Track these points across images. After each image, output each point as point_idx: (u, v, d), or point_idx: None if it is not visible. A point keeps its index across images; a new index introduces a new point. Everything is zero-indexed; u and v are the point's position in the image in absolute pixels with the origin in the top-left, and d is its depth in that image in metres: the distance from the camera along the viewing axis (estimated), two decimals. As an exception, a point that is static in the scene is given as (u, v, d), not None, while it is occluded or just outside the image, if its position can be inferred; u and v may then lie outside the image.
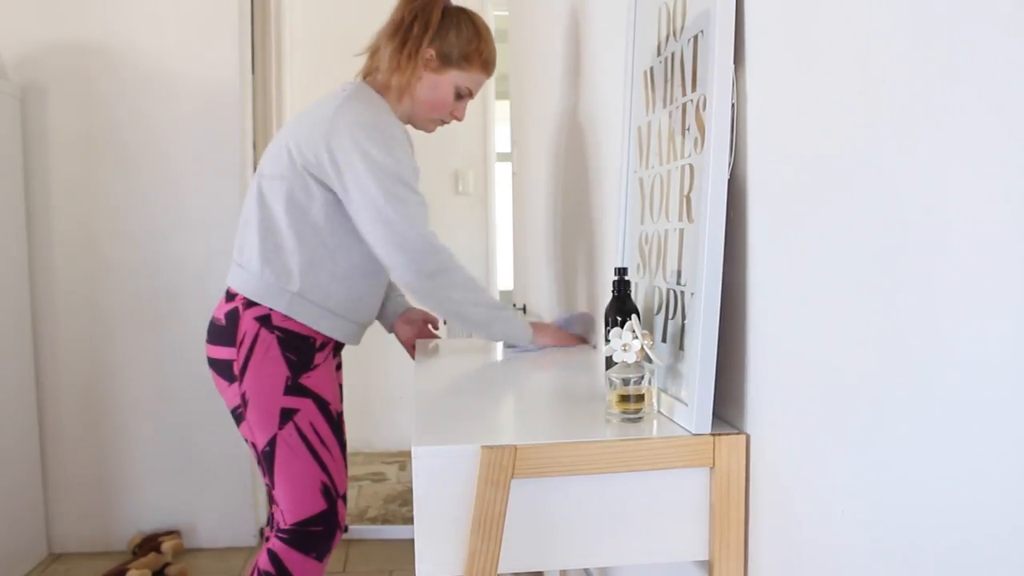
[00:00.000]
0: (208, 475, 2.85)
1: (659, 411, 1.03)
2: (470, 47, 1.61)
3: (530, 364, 1.47)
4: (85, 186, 2.77)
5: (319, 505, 1.54)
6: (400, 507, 3.17)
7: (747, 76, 0.90)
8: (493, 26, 3.85)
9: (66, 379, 2.79)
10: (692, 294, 0.96)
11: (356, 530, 2.89)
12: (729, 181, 0.93)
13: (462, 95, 1.67)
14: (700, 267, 0.92)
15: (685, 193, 1.02)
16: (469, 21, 1.63)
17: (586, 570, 1.79)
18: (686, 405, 0.95)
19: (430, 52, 1.59)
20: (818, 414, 0.76)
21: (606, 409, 1.01)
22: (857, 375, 0.69)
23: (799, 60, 0.78)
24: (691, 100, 1.00)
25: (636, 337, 0.98)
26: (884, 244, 0.64)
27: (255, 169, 2.98)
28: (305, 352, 1.56)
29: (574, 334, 1.65)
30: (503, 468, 0.88)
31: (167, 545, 2.69)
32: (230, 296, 1.58)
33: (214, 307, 2.78)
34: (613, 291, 1.14)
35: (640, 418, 0.98)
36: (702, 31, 0.97)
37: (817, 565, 0.77)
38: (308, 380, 1.55)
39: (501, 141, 3.86)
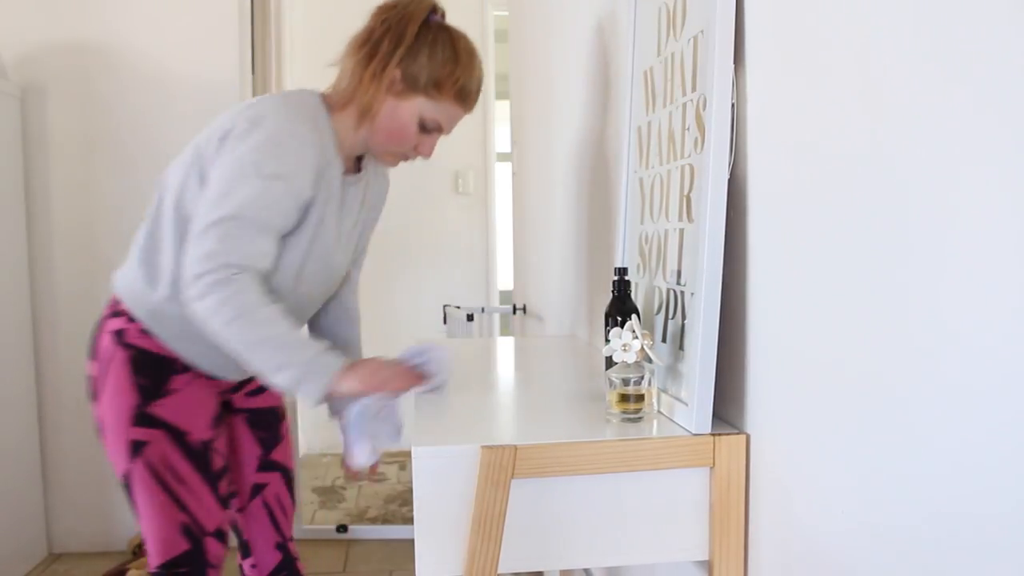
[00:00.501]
0: (208, 475, 2.84)
1: (659, 411, 1.03)
2: (442, 71, 1.32)
3: (531, 364, 1.47)
4: (85, 186, 2.77)
5: (181, 546, 1.37)
6: (400, 507, 3.17)
7: (747, 76, 0.90)
8: (493, 26, 3.85)
9: (66, 379, 2.78)
10: (692, 294, 0.96)
11: (356, 530, 2.89)
12: (729, 181, 0.93)
13: (428, 128, 1.36)
14: (700, 267, 0.92)
15: (685, 193, 1.02)
16: (449, 42, 1.35)
17: (586, 570, 1.79)
18: (686, 405, 0.95)
19: (396, 73, 1.30)
20: (818, 414, 0.76)
21: (606, 409, 1.01)
22: (857, 375, 0.69)
23: (799, 60, 0.78)
24: (691, 100, 1.00)
25: (636, 337, 0.98)
26: (884, 244, 0.64)
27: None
28: (158, 375, 1.35)
29: (415, 373, 1.22)
30: (503, 468, 0.88)
31: (167, 545, 2.69)
32: (109, 303, 1.43)
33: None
34: (613, 291, 1.14)
35: (640, 418, 0.98)
36: (702, 31, 0.97)
37: (817, 565, 0.77)
38: (160, 408, 1.35)
39: (501, 141, 3.86)
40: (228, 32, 2.78)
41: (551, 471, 0.89)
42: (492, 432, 0.97)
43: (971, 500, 0.55)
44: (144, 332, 1.36)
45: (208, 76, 2.77)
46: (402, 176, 4.24)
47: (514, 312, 3.00)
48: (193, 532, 1.38)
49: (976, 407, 0.54)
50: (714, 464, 0.91)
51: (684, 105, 1.03)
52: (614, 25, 1.50)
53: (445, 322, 3.15)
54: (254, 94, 3.05)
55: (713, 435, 0.91)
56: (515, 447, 0.88)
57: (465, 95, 1.37)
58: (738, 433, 0.92)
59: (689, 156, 1.01)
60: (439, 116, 1.36)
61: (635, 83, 1.28)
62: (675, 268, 1.04)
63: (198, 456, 1.38)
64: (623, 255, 1.31)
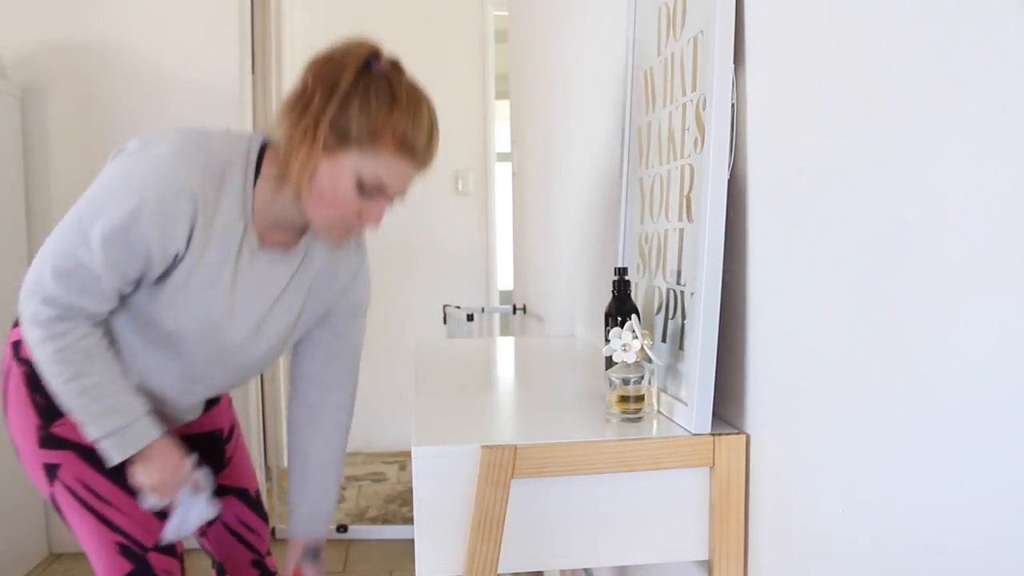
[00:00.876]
0: (208, 475, 2.85)
1: (659, 411, 1.03)
2: (377, 119, 1.09)
3: (531, 364, 1.47)
4: (85, 186, 2.75)
5: (123, 567, 1.26)
6: (400, 507, 3.17)
7: (747, 76, 0.90)
8: (493, 26, 3.85)
9: (66, 379, 2.78)
10: (692, 294, 0.96)
11: (356, 530, 2.89)
12: (729, 181, 0.93)
13: (367, 188, 1.13)
14: (700, 267, 0.92)
15: (685, 193, 1.02)
16: (387, 88, 1.11)
17: (586, 570, 1.79)
18: (686, 405, 0.95)
19: (326, 128, 1.10)
20: (818, 414, 0.76)
21: (606, 409, 1.01)
22: (857, 375, 0.69)
23: (799, 60, 0.78)
24: (691, 100, 1.01)
25: (636, 337, 0.98)
26: (884, 244, 0.64)
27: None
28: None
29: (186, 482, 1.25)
30: (503, 468, 0.88)
31: (167, 545, 2.69)
32: None
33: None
34: (613, 291, 1.14)
35: (640, 418, 0.98)
36: (702, 31, 0.97)
37: (817, 565, 0.77)
38: (63, 428, 1.23)
39: (501, 141, 3.86)
40: (228, 32, 2.78)
41: (551, 471, 0.89)
42: (492, 432, 0.97)
43: (971, 500, 0.55)
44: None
45: (208, 76, 2.77)
46: (402, 176, 4.19)
47: (514, 312, 3.00)
48: (132, 551, 1.27)
49: (976, 406, 0.54)
50: (714, 464, 0.91)
51: (684, 105, 1.03)
52: (614, 25, 1.50)
53: (445, 322, 3.15)
54: (254, 94, 3.06)
55: (713, 435, 0.91)
56: (515, 447, 0.88)
57: (408, 144, 1.12)
58: (738, 433, 0.92)
59: (689, 156, 1.01)
60: (380, 172, 1.12)
61: (635, 83, 1.28)
62: (675, 268, 1.04)
63: (115, 472, 1.24)
64: (623, 255, 1.31)
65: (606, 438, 0.91)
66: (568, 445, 0.90)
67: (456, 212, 3.90)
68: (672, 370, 1.03)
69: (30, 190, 2.74)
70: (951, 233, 0.56)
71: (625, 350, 0.98)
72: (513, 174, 3.24)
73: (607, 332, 1.05)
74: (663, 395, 1.04)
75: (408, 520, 2.98)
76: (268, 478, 3.15)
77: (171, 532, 1.27)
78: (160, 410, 1.30)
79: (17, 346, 1.25)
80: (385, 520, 3.05)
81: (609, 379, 1.00)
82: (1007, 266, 0.51)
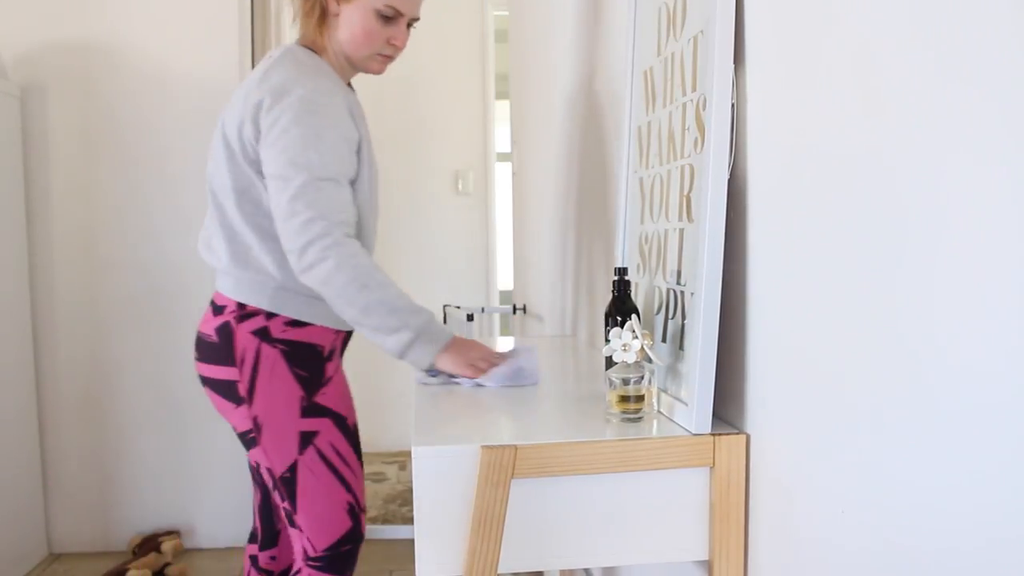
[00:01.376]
0: (208, 475, 2.85)
1: (659, 411, 1.03)
2: None
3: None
4: (85, 186, 2.77)
5: (345, 525, 1.46)
6: (400, 507, 3.17)
7: (747, 76, 0.90)
8: (493, 26, 3.86)
9: (66, 379, 2.79)
10: (692, 294, 0.96)
11: (356, 530, 2.89)
12: (729, 181, 0.93)
13: (389, 16, 1.40)
14: (700, 267, 0.92)
15: (685, 193, 1.02)
16: None
17: (586, 570, 1.79)
18: (686, 405, 0.95)
19: None
20: (818, 414, 0.76)
21: (606, 409, 1.01)
22: (857, 375, 0.69)
23: (799, 60, 0.78)
24: (691, 100, 1.00)
25: (636, 337, 0.98)
26: (884, 244, 0.64)
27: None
28: (315, 365, 1.43)
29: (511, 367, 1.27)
30: (503, 468, 0.88)
31: (167, 545, 2.69)
32: (217, 309, 1.44)
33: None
34: (613, 291, 1.14)
35: (640, 418, 0.98)
36: (702, 31, 0.97)
37: (817, 565, 0.77)
38: (324, 398, 1.43)
39: (501, 141, 3.86)
40: (228, 31, 2.78)
41: (551, 471, 0.89)
42: (492, 432, 0.97)
43: (971, 500, 0.55)
44: (287, 325, 1.41)
45: (208, 75, 2.77)
46: (402, 176, 4.25)
47: (514, 312, 3.00)
48: (355, 510, 1.48)
49: (976, 406, 0.54)
50: (714, 464, 0.91)
51: (684, 105, 1.03)
52: (614, 25, 1.50)
53: (445, 322, 3.15)
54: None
55: (713, 435, 0.91)
56: (515, 447, 0.88)
57: None
58: (738, 433, 0.92)
59: (689, 156, 1.01)
60: (395, 2, 1.40)
61: (635, 83, 1.28)
62: (675, 268, 1.04)
63: (354, 439, 1.49)
64: (623, 255, 1.31)
65: (606, 438, 0.91)
66: (568, 445, 0.90)
67: (456, 212, 3.90)
68: (672, 370, 1.03)
69: (30, 190, 2.74)
70: (951, 233, 0.56)
71: (625, 350, 0.98)
72: (513, 174, 3.24)
73: (607, 332, 1.05)
74: (663, 395, 1.04)
75: (408, 520, 2.98)
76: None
77: (499, 378, 1.25)
78: None
79: (265, 332, 1.40)
80: (385, 520, 3.05)
81: (609, 379, 1.00)
82: (1007, 266, 0.51)
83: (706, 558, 0.94)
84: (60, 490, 2.81)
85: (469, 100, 3.86)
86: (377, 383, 3.67)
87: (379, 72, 1.50)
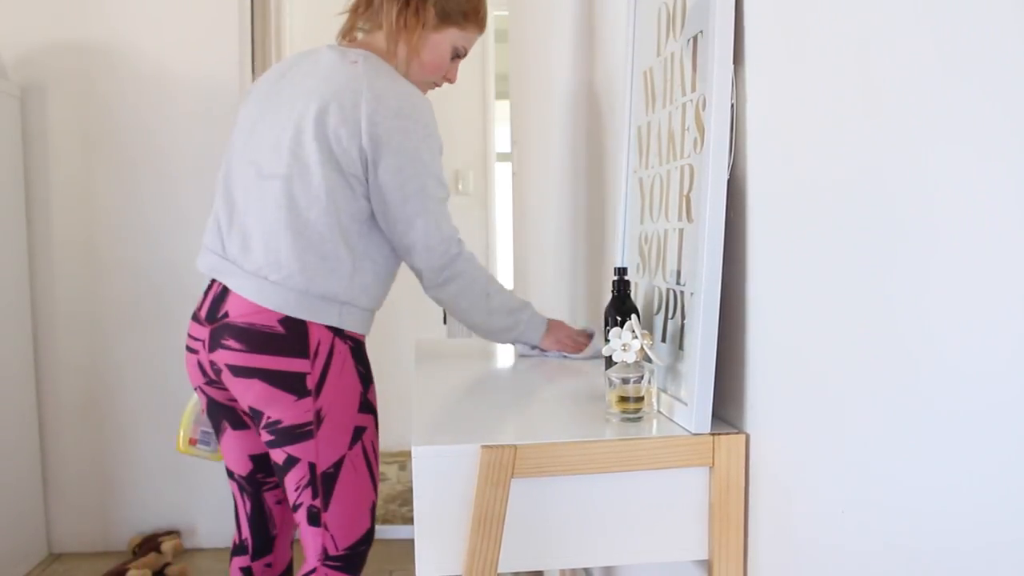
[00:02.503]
0: (207, 475, 2.85)
1: (659, 411, 1.03)
2: (469, 5, 1.51)
3: (530, 365, 1.47)
4: (85, 186, 2.77)
5: (366, 525, 1.49)
6: (400, 507, 3.17)
7: (747, 76, 0.90)
8: (493, 26, 3.86)
9: (66, 379, 2.79)
10: (692, 294, 0.96)
11: (356, 530, 2.89)
12: (729, 181, 0.93)
13: (459, 55, 1.55)
14: (700, 267, 0.92)
15: (685, 193, 1.02)
16: None
17: (586, 570, 1.79)
18: (686, 405, 0.95)
19: (431, 10, 1.48)
20: (818, 414, 0.76)
21: (606, 409, 1.01)
22: (857, 375, 0.69)
23: (799, 60, 0.78)
24: (691, 100, 1.01)
25: (636, 337, 0.98)
26: (884, 244, 0.64)
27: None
28: (367, 362, 1.50)
29: (585, 341, 1.53)
30: (503, 468, 0.88)
31: (167, 545, 2.70)
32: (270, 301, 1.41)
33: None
34: (613, 291, 1.14)
35: (640, 418, 0.98)
36: (701, 31, 0.97)
37: (817, 565, 0.77)
38: (371, 395, 1.49)
39: (501, 141, 3.86)
40: (228, 32, 2.78)
41: (551, 471, 0.89)
42: (492, 432, 0.97)
43: (971, 500, 0.55)
44: (354, 322, 1.47)
45: (208, 76, 2.78)
46: (402, 176, 4.18)
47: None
48: (374, 510, 1.52)
49: (976, 406, 0.54)
50: (714, 464, 0.91)
51: (684, 105, 1.03)
52: (614, 25, 1.50)
53: (445, 322, 3.15)
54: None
55: (713, 435, 0.91)
56: (515, 447, 0.88)
57: (485, 21, 1.57)
58: (738, 433, 0.92)
59: (688, 156, 1.01)
60: (467, 43, 1.55)
61: (634, 83, 1.28)
62: (675, 268, 1.04)
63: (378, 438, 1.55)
64: (623, 255, 1.31)
65: (606, 438, 0.91)
66: (568, 445, 0.90)
67: (456, 212, 3.87)
68: (672, 370, 1.03)
69: (30, 190, 2.74)
70: (950, 233, 0.56)
71: (625, 350, 0.98)
72: (513, 174, 3.24)
73: (607, 332, 1.05)
74: (663, 395, 1.04)
75: (408, 520, 2.98)
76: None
77: (583, 355, 1.51)
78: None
79: (338, 329, 1.44)
80: (385, 520, 3.05)
81: (609, 379, 1.00)
82: (1007, 267, 0.51)
83: (706, 558, 0.94)
84: (60, 490, 2.81)
85: (469, 100, 3.86)
86: (377, 383, 3.67)
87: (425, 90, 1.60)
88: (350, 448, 1.44)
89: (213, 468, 2.85)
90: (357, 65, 1.40)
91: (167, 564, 2.62)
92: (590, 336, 1.54)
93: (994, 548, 0.53)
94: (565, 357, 1.52)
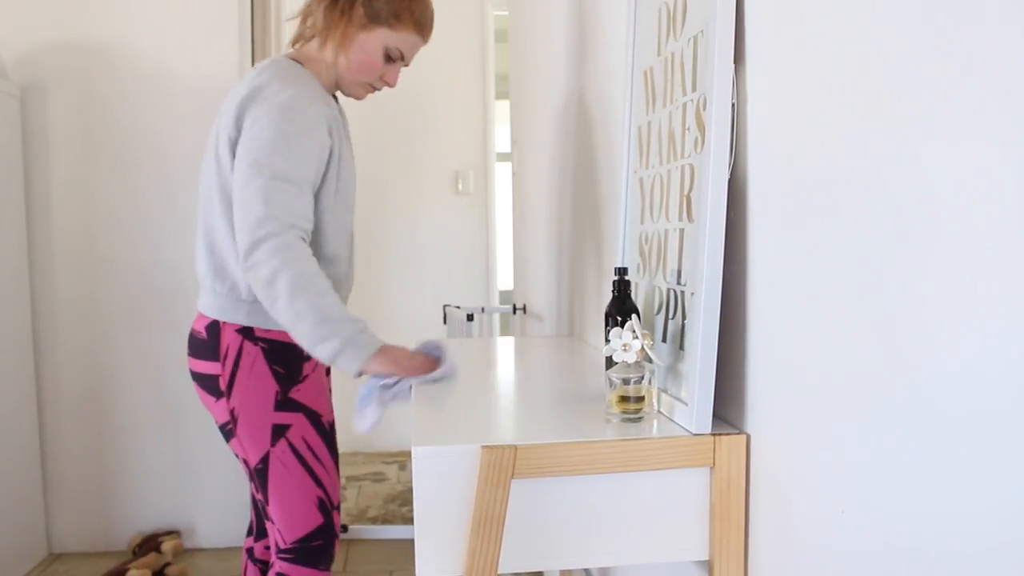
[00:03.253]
0: (208, 475, 2.85)
1: (659, 411, 1.03)
2: (401, 5, 1.49)
3: (531, 364, 1.47)
4: (85, 186, 2.77)
5: (316, 520, 1.50)
6: (400, 507, 3.17)
7: (748, 76, 0.90)
8: (493, 26, 3.86)
9: (66, 379, 2.79)
10: (692, 294, 0.96)
11: (356, 530, 2.89)
12: (729, 181, 0.93)
13: (392, 58, 1.52)
14: (700, 267, 0.92)
15: (685, 193, 1.02)
16: None
17: (586, 570, 1.79)
18: (686, 405, 0.95)
19: (360, 9, 1.47)
20: (818, 414, 0.76)
21: (606, 409, 1.01)
22: (857, 375, 0.69)
23: (800, 59, 0.78)
24: (691, 100, 1.00)
25: (636, 337, 0.98)
26: (884, 245, 0.64)
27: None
28: (292, 363, 1.47)
29: (432, 362, 1.35)
30: (503, 468, 0.88)
31: (167, 545, 2.69)
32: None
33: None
34: (613, 291, 1.14)
35: (640, 418, 0.98)
36: (702, 31, 0.97)
37: (817, 565, 0.77)
38: (298, 394, 1.48)
39: (501, 141, 3.86)
40: (228, 31, 2.78)
41: (551, 471, 0.89)
42: (492, 432, 0.97)
43: (971, 500, 0.55)
44: (270, 328, 1.45)
45: (208, 75, 2.77)
46: (402, 176, 4.25)
47: (514, 312, 3.00)
48: (326, 506, 1.50)
49: (976, 408, 0.54)
50: (714, 464, 0.91)
51: (684, 105, 1.03)
52: (614, 25, 1.50)
53: (445, 322, 3.15)
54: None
55: (713, 435, 0.91)
56: (515, 447, 0.88)
57: (422, 25, 1.53)
58: (738, 433, 0.92)
59: (689, 156, 1.01)
60: (402, 46, 1.52)
61: (635, 83, 1.28)
62: (675, 268, 1.04)
63: (328, 436, 1.52)
64: (623, 255, 1.31)
65: (606, 438, 0.91)
66: (568, 445, 0.90)
67: (456, 212, 3.90)
68: (672, 370, 1.03)
69: (30, 190, 2.74)
70: (950, 234, 0.56)
71: (625, 350, 0.98)
72: (513, 174, 3.24)
73: (607, 332, 1.05)
74: (663, 395, 1.04)
75: (408, 520, 2.98)
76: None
77: (367, 422, 1.34)
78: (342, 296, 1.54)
79: (249, 331, 1.46)
80: (385, 520, 3.05)
81: (609, 379, 1.00)
82: (1007, 267, 0.51)
83: (706, 558, 0.93)
84: (60, 490, 2.81)
85: (469, 100, 3.86)
86: (377, 383, 3.66)
87: (359, 99, 1.60)
88: (272, 445, 1.46)
89: (213, 468, 2.85)
90: (258, 73, 1.46)
91: (167, 564, 2.62)
92: (436, 358, 1.35)
93: (994, 548, 0.53)
94: (409, 384, 1.31)
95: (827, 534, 0.75)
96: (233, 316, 1.46)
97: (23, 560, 2.64)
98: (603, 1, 1.59)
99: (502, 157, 3.87)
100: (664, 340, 1.08)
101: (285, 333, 1.42)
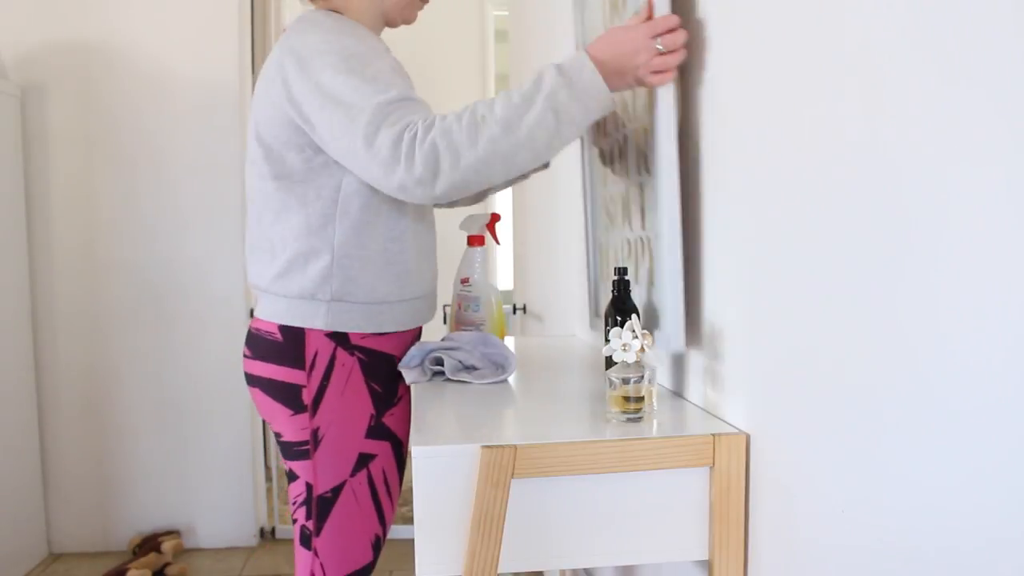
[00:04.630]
0: (208, 475, 2.85)
1: (644, 346, 0.98)
2: None
3: (531, 364, 1.47)
4: (85, 186, 2.77)
5: (366, 558, 1.33)
6: (400, 507, 3.17)
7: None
8: (493, 26, 3.86)
9: (66, 379, 2.79)
10: (656, 237, 1.07)
11: (356, 530, 2.89)
12: (727, 181, 0.93)
13: None
14: (661, 215, 1.03)
15: (642, 151, 1.13)
16: None
17: (586, 570, 1.79)
18: (661, 330, 1.04)
19: None
20: (818, 414, 0.76)
21: (606, 409, 1.01)
22: (857, 375, 0.69)
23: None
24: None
25: (636, 337, 0.98)
26: (885, 243, 0.64)
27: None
28: (390, 380, 1.30)
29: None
30: (503, 468, 0.88)
31: (167, 545, 2.70)
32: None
33: (214, 306, 2.82)
34: (613, 291, 1.14)
35: (640, 418, 0.98)
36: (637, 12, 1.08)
37: (817, 565, 0.77)
38: (391, 419, 1.31)
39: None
40: (228, 31, 2.78)
41: (551, 471, 0.89)
42: (492, 432, 0.97)
43: (972, 499, 0.55)
44: (362, 334, 1.27)
45: (208, 75, 2.78)
46: (402, 176, 4.19)
47: (514, 312, 3.00)
48: (379, 544, 1.35)
49: (977, 407, 0.54)
50: (714, 464, 0.91)
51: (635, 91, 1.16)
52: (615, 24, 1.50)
53: (445, 322, 3.15)
54: (254, 94, 3.05)
55: (713, 435, 0.91)
56: (515, 447, 0.88)
57: None
58: (738, 433, 0.92)
59: (642, 119, 1.14)
60: None
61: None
62: (639, 218, 1.17)
63: (403, 468, 1.37)
64: (591, 219, 1.44)
65: (606, 438, 0.91)
66: (568, 445, 0.90)
67: (456, 212, 3.89)
68: (649, 307, 1.13)
69: (30, 190, 2.74)
70: (953, 231, 0.56)
71: (625, 350, 0.98)
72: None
73: (607, 332, 1.05)
74: (647, 336, 1.00)
75: (408, 520, 2.98)
76: (268, 478, 3.15)
77: (411, 377, 1.26)
78: (430, 290, 1.39)
79: (344, 337, 1.27)
80: (385, 520, 3.05)
81: (609, 379, 1.00)
82: (1009, 263, 0.51)
83: (706, 558, 0.94)
84: (60, 490, 2.81)
85: (469, 100, 3.85)
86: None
87: (411, 22, 1.40)
88: (352, 475, 1.29)
89: (213, 468, 2.85)
90: (283, 34, 1.26)
91: (167, 564, 2.62)
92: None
93: (994, 547, 0.53)
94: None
95: (827, 533, 0.75)
96: (311, 318, 1.26)
97: (23, 560, 2.64)
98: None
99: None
100: (638, 283, 1.19)
101: (384, 341, 1.29)
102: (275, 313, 1.29)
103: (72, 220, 2.77)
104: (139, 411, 2.82)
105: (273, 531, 2.97)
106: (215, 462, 2.84)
